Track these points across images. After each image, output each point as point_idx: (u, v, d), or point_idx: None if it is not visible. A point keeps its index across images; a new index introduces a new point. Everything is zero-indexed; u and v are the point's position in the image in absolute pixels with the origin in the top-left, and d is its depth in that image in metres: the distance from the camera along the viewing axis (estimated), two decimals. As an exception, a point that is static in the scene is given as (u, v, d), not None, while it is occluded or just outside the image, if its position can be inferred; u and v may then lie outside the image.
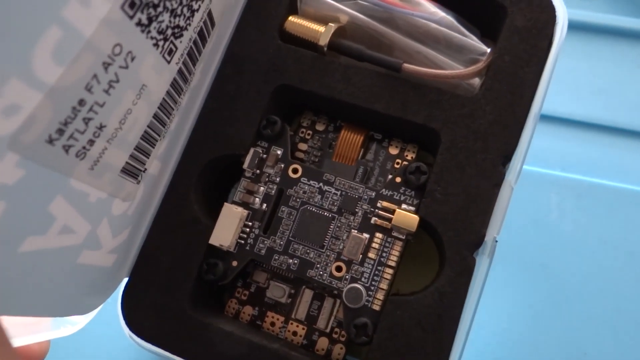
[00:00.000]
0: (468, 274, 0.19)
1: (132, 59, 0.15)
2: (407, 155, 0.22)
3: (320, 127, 0.23)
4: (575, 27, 0.31)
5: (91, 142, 0.15)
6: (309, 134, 0.23)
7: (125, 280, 0.21)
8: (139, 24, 0.15)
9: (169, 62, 0.17)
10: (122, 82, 0.15)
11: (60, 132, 0.14)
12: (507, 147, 0.20)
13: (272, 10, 0.22)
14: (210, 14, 0.19)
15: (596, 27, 0.32)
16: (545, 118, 0.31)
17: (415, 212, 0.20)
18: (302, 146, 0.23)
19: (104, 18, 0.13)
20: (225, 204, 0.21)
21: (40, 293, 0.17)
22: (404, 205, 0.20)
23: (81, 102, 0.14)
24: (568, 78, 0.31)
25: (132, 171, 0.18)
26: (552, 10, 0.20)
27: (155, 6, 0.15)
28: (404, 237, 0.20)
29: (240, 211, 0.21)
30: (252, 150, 0.21)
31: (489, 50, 0.21)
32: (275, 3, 0.22)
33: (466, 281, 0.19)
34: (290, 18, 0.22)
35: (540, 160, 0.30)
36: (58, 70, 0.13)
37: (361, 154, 0.22)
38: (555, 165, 0.29)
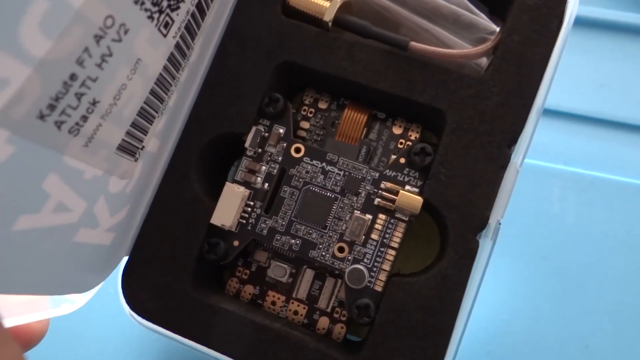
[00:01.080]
0: (471, 257, 0.18)
1: (126, 32, 0.14)
2: (410, 135, 0.21)
3: (322, 105, 0.22)
4: (577, 22, 0.29)
5: (84, 118, 0.14)
6: (311, 112, 0.22)
7: (125, 259, 0.20)
8: (132, -7, 0.13)
9: (165, 35, 0.15)
10: (115, 56, 0.14)
11: (52, 107, 0.13)
12: (514, 130, 0.18)
13: (275, -16, 0.21)
14: (210, -15, 0.17)
15: (599, 22, 0.30)
16: (547, 112, 0.29)
17: (419, 194, 0.19)
18: (305, 124, 0.21)
19: (94, -15, 0.12)
20: (227, 183, 0.20)
21: (37, 271, 0.16)
22: (407, 187, 0.19)
23: (73, 77, 0.13)
24: (571, 73, 0.29)
25: (129, 148, 0.17)
26: (564, -13, 0.19)
27: (150, -26, 0.13)
28: (407, 219, 0.19)
29: (242, 191, 0.19)
30: (254, 129, 0.20)
31: (497, 29, 0.19)
32: (278, -24, 0.21)
33: (469, 264, 0.18)
34: (294, -8, 0.21)
35: (543, 153, 0.28)
36: (47, 43, 0.12)
37: (364, 133, 0.21)
38: (558, 158, 0.28)
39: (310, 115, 0.21)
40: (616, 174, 0.28)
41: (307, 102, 0.22)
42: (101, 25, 0.13)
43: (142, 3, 0.14)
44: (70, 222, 0.16)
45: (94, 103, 0.14)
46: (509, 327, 0.26)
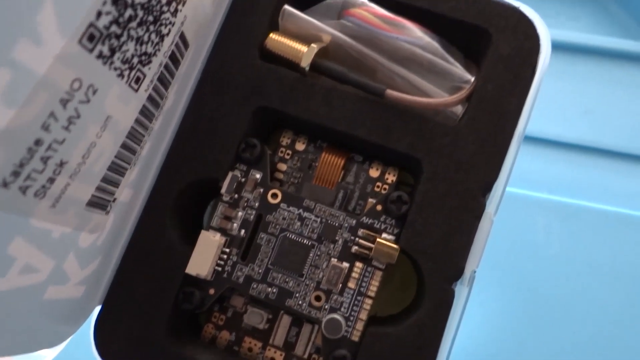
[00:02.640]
0: (447, 306, 0.18)
1: (94, 92, 0.13)
2: (387, 179, 0.21)
3: (300, 147, 0.21)
4: (560, 47, 0.29)
5: (51, 180, 0.13)
6: (288, 154, 0.21)
7: (98, 308, 0.19)
8: (100, 56, 0.13)
9: (136, 90, 0.15)
10: (83, 117, 0.13)
11: (16, 174, 0.12)
12: (488, 178, 0.18)
13: (252, 26, 0.20)
14: (182, 36, 0.16)
15: (581, 47, 0.30)
16: (531, 139, 0.29)
17: (396, 242, 0.19)
18: (282, 166, 0.21)
19: (59, 54, 0.11)
20: (202, 231, 0.19)
21: (6, 333, 0.15)
22: (384, 234, 0.19)
23: (38, 142, 0.12)
24: (554, 99, 0.29)
25: (99, 203, 0.16)
26: (536, 38, 0.19)
27: (118, 36, 0.13)
28: (384, 267, 0.19)
29: (218, 239, 0.19)
30: (230, 175, 0.19)
31: (472, 78, 0.19)
32: (255, 19, 0.20)
33: (445, 313, 0.18)
34: (271, 35, 0.20)
35: (527, 182, 0.28)
36: (9, 112, 0.11)
37: (341, 176, 0.21)
38: (542, 187, 0.28)
39: (288, 157, 0.21)
40: (600, 203, 0.28)
41: (284, 143, 0.21)
42: (67, 89, 0.12)
43: (112, 62, 0.13)
44: (38, 281, 0.15)
45: (61, 164, 0.13)
46: (494, 358, 0.26)
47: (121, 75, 0.14)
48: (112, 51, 0.13)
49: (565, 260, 0.27)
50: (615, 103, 0.29)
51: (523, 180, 0.28)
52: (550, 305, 0.26)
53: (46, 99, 0.12)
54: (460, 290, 0.18)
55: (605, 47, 0.30)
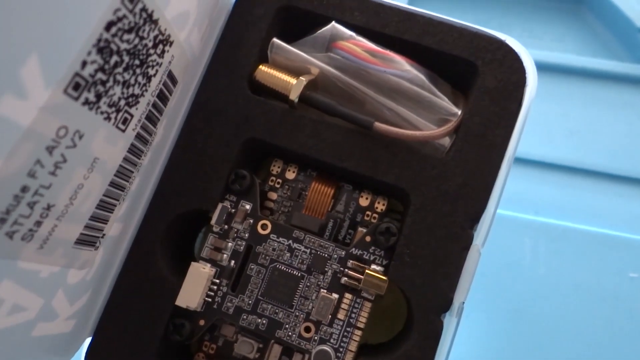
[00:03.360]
0: (435, 337, 0.18)
1: (81, 137, 0.13)
2: (377, 207, 0.21)
3: (290, 176, 0.21)
4: (547, 68, 0.29)
5: (38, 224, 0.13)
6: (278, 183, 0.21)
7: (89, 340, 0.19)
8: (86, 102, 0.13)
9: (124, 130, 0.15)
10: (70, 162, 0.13)
11: (2, 220, 0.12)
12: (475, 210, 0.18)
13: (241, 59, 0.20)
14: (170, 74, 0.17)
15: (567, 68, 0.30)
16: (518, 161, 0.29)
17: (385, 273, 0.19)
18: (272, 195, 0.21)
19: (44, 105, 0.11)
20: (192, 263, 0.19)
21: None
22: (373, 265, 0.19)
23: (24, 189, 0.12)
24: (540, 120, 0.30)
25: (88, 240, 0.16)
26: (522, 72, 0.19)
27: (103, 83, 0.13)
28: (373, 298, 0.19)
29: (208, 271, 0.19)
30: (220, 206, 0.20)
31: (459, 111, 0.19)
32: (244, 51, 0.20)
33: (433, 345, 0.18)
34: (261, 67, 0.20)
35: (514, 203, 0.28)
36: None
37: (331, 204, 0.21)
38: (529, 208, 0.28)
39: (278, 186, 0.21)
40: (586, 224, 0.28)
41: (274, 172, 0.21)
42: (53, 137, 0.12)
43: (98, 107, 0.13)
44: (27, 319, 0.15)
45: (48, 207, 0.13)
46: None
47: (108, 118, 0.14)
48: (99, 97, 0.13)
49: (551, 281, 0.27)
50: (600, 124, 0.29)
51: (509, 202, 0.28)
52: (537, 325, 0.26)
53: (31, 148, 0.12)
54: (449, 321, 0.18)
55: (591, 68, 0.30)
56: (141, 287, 0.19)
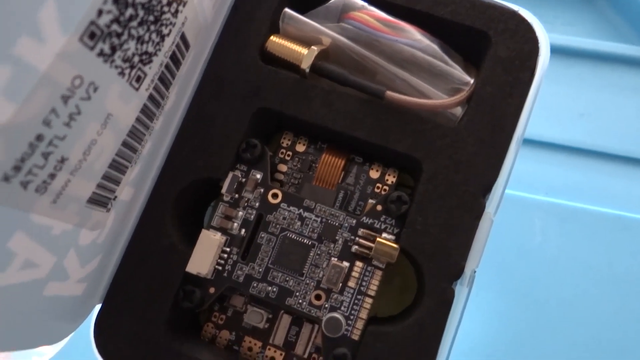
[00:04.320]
0: (447, 305, 0.18)
1: (95, 90, 0.13)
2: (387, 180, 0.20)
3: (300, 149, 0.21)
4: (558, 51, 0.29)
5: (52, 176, 0.13)
6: (288, 155, 0.21)
7: (98, 307, 0.19)
8: (100, 54, 0.13)
9: (137, 89, 0.15)
10: (84, 114, 0.13)
11: (17, 169, 0.12)
12: (488, 179, 0.18)
13: (252, 29, 0.20)
14: (183, 37, 0.16)
15: (579, 51, 0.30)
16: (528, 142, 0.29)
17: (396, 241, 0.18)
18: (282, 167, 0.21)
19: (61, 52, 0.11)
20: (203, 230, 0.19)
21: (5, 328, 0.15)
22: (384, 234, 0.19)
23: (39, 138, 0.12)
24: (551, 102, 0.29)
25: (100, 200, 0.16)
26: (535, 41, 0.19)
27: (119, 35, 0.13)
28: (383, 266, 0.18)
29: (218, 238, 0.19)
30: (230, 174, 0.19)
31: (471, 80, 0.19)
32: (256, 21, 0.20)
33: (445, 313, 0.18)
34: (272, 38, 0.20)
35: (524, 184, 0.28)
36: (11, 107, 0.11)
37: (341, 177, 0.21)
38: (539, 189, 0.28)
39: (288, 159, 0.21)
40: (597, 205, 0.28)
41: (284, 144, 0.21)
42: (69, 86, 0.12)
43: (112, 61, 0.13)
44: (39, 277, 0.15)
45: (62, 160, 0.13)
46: None
47: (122, 73, 0.14)
48: (113, 49, 0.13)
49: (561, 262, 0.26)
50: (610, 106, 0.29)
51: (520, 183, 0.28)
52: (547, 307, 0.26)
53: (48, 95, 0.12)
54: (460, 290, 0.18)
55: (601, 51, 0.30)
56: (152, 254, 0.19)
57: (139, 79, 0.15)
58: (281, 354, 0.19)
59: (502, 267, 0.27)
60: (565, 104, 0.29)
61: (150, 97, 0.16)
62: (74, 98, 0.13)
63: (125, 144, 0.16)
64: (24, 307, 0.15)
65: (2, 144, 0.11)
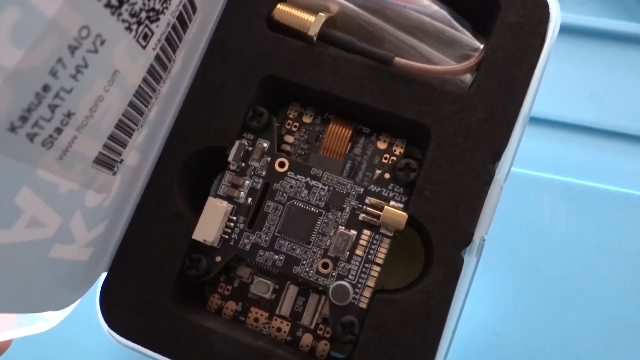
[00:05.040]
0: (456, 273, 0.17)
1: (102, 43, 0.13)
2: (395, 150, 0.20)
3: (307, 120, 0.21)
4: (567, 30, 0.29)
5: (59, 131, 0.13)
6: (295, 126, 0.21)
7: (104, 275, 0.19)
8: (108, 5, 0.12)
9: (144, 47, 0.15)
10: (91, 67, 0.13)
11: (24, 119, 0.12)
12: (497, 146, 0.18)
13: (260, -2, 0.20)
14: (191, -2, 0.16)
15: (588, 30, 0.30)
16: (538, 121, 0.29)
17: (404, 209, 0.18)
18: (289, 139, 0.21)
19: (68, -3, 0.11)
20: (209, 198, 0.19)
21: (9, 288, 0.15)
22: (392, 202, 0.19)
23: (45, 88, 0.12)
24: (560, 81, 0.29)
25: (106, 162, 0.16)
26: (545, 7, 0.18)
27: (127, -15, 0.13)
28: (391, 235, 0.18)
29: (225, 205, 0.19)
30: (237, 143, 0.19)
31: (481, 46, 0.19)
32: (263, -10, 0.20)
33: (454, 280, 0.17)
34: (279, 6, 0.20)
35: (533, 163, 0.28)
36: (18, 53, 0.11)
37: (349, 147, 0.20)
38: (548, 168, 0.28)
39: (295, 130, 0.21)
40: (607, 183, 0.27)
41: (291, 116, 0.21)
42: (76, 36, 0.12)
43: (120, 14, 0.13)
44: (45, 237, 0.15)
45: (69, 115, 0.13)
46: (500, 339, 0.25)
47: (129, 28, 0.14)
48: (120, 2, 0.13)
49: (571, 241, 0.26)
50: (621, 86, 0.29)
51: (529, 161, 0.28)
52: (556, 285, 0.25)
53: (55, 43, 0.12)
54: (469, 259, 0.18)
55: (611, 30, 0.30)
56: (158, 222, 0.19)
57: (145, 37, 0.15)
58: (287, 325, 0.19)
59: (511, 246, 0.26)
60: (575, 83, 0.29)
61: (157, 58, 0.16)
62: (80, 49, 0.13)
63: (131, 104, 0.16)
64: (30, 268, 0.15)
65: (9, 91, 0.11)
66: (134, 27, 0.14)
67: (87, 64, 0.13)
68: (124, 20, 0.14)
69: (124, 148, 0.16)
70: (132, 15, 0.14)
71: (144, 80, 0.16)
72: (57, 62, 0.12)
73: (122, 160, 0.17)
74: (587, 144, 0.28)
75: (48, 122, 0.13)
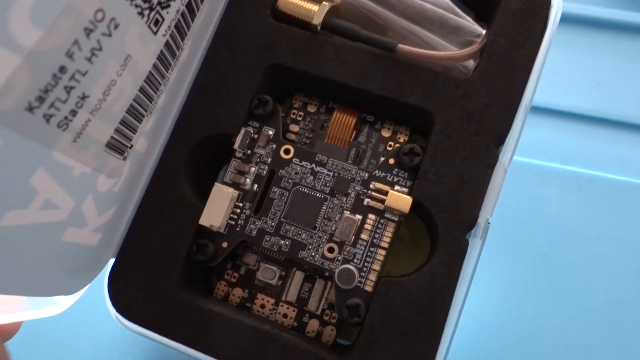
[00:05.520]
0: (461, 255, 0.18)
1: (116, 27, 0.14)
2: (399, 138, 0.21)
3: (311, 109, 0.22)
4: (574, 20, 0.30)
5: (74, 113, 0.14)
6: (300, 116, 0.22)
7: (112, 261, 0.19)
8: (123, -13, 0.13)
9: (155, 33, 0.16)
10: (105, 51, 0.14)
11: (41, 99, 0.13)
12: (501, 129, 0.19)
13: (264, -11, 0.21)
14: (200, -13, 0.17)
15: (594, 20, 0.31)
16: (544, 111, 0.30)
17: (409, 194, 0.19)
18: (294, 128, 0.22)
19: (85, -22, 0.12)
20: (215, 183, 0.20)
21: (22, 271, 0.15)
22: (397, 187, 0.19)
23: (62, 69, 0.13)
24: (568, 71, 0.30)
25: (117, 146, 0.17)
26: (547, -8, 0.19)
27: (140, -30, 0.14)
28: (396, 219, 0.19)
29: (231, 192, 0.19)
30: (243, 130, 0.20)
31: (483, 32, 0.19)
32: (268, -19, 0.21)
33: (459, 262, 0.18)
34: (283, -3, 0.21)
35: (540, 152, 0.28)
36: (37, 33, 0.12)
37: (353, 136, 0.21)
38: (555, 157, 0.28)
39: (300, 119, 0.22)
40: (614, 173, 0.28)
41: (296, 105, 0.22)
42: (91, 19, 0.13)
43: (133, -1, 0.14)
44: (58, 220, 0.16)
45: (83, 97, 0.14)
46: (507, 327, 0.26)
47: (141, 14, 0.15)
48: (134, -14, 0.14)
49: (578, 230, 0.27)
50: (627, 76, 0.30)
51: (536, 150, 0.28)
52: (563, 274, 0.26)
53: (71, 25, 0.13)
54: (474, 242, 0.18)
55: (618, 21, 0.31)
56: (165, 208, 0.19)
57: (157, 23, 0.15)
58: (294, 311, 0.20)
59: (518, 235, 0.27)
60: (582, 73, 0.30)
61: (167, 45, 0.17)
62: (95, 32, 0.13)
63: (142, 90, 0.16)
64: (43, 251, 0.16)
65: (27, 70, 0.12)
66: (146, 12, 0.15)
67: (102, 47, 0.14)
68: (136, 6, 0.14)
69: (134, 133, 0.17)
70: (145, 0, 0.14)
71: (154, 66, 0.17)
72: (73, 43, 0.13)
73: (132, 145, 0.17)
74: (594, 133, 0.29)
75: (64, 104, 0.14)
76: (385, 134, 0.21)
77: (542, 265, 0.27)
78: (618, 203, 0.27)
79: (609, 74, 0.30)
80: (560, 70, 0.29)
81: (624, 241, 0.27)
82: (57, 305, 0.18)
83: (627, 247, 0.27)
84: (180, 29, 0.17)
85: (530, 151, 0.28)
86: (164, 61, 0.17)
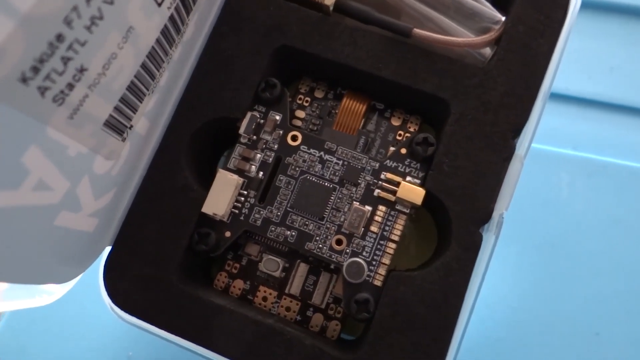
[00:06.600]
0: (474, 250, 0.17)
1: (120, -7, 0.13)
2: (409, 127, 0.20)
3: (319, 94, 0.21)
4: (588, 6, 0.29)
5: (70, 86, 0.13)
6: (307, 101, 0.21)
7: (108, 249, 0.18)
8: (128, -50, 0.12)
9: (159, 4, 0.14)
10: (106, 20, 0.13)
11: (35, 70, 0.12)
12: (518, 120, 0.18)
13: (274, -33, 0.20)
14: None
15: (607, 5, 0.30)
16: (556, 96, 0.29)
17: (421, 185, 0.18)
18: (300, 114, 0.20)
19: None
20: (219, 170, 0.18)
21: (12, 256, 0.14)
22: (408, 178, 0.18)
23: (59, 38, 0.12)
24: (580, 57, 0.29)
25: (116, 126, 0.15)
26: (569, -22, 0.18)
27: None
28: (408, 211, 0.18)
29: (236, 179, 0.18)
30: (249, 114, 0.19)
31: (502, 18, 0.18)
32: (277, -41, 0.20)
33: (472, 258, 0.17)
34: (294, -23, 0.20)
35: (551, 138, 0.28)
36: None
37: (362, 123, 0.20)
38: (567, 143, 0.28)
39: (306, 104, 0.21)
40: (626, 159, 0.27)
41: (302, 90, 0.21)
42: (93, -17, 0.12)
43: (138, -35, 0.13)
44: (52, 202, 0.14)
45: (82, 70, 0.13)
46: (517, 314, 0.25)
47: (146, -18, 0.13)
48: (140, -50, 0.13)
49: (589, 217, 0.26)
50: (640, 61, 0.29)
51: (547, 137, 0.28)
52: (574, 260, 0.25)
53: (71, -12, 0.11)
54: (488, 237, 0.18)
55: (631, 5, 0.30)
56: (165, 195, 0.18)
57: (161, -7, 0.14)
58: (297, 304, 0.19)
59: (529, 221, 0.26)
60: (595, 58, 0.29)
61: (171, 19, 0.16)
62: (96, -2, 0.12)
63: (144, 66, 0.15)
64: (35, 235, 0.14)
65: (21, 37, 0.11)
66: (151, -19, 0.14)
67: (103, 16, 0.13)
68: (141, -28, 0.13)
69: (134, 113, 0.16)
70: (150, -33, 0.13)
71: (157, 41, 0.15)
72: (72, 10, 0.12)
73: (131, 126, 0.16)
74: (606, 119, 0.28)
75: (60, 76, 0.12)
76: (395, 122, 0.20)
77: (552, 252, 0.26)
78: (629, 189, 0.26)
79: (621, 59, 0.29)
80: (572, 55, 0.28)
81: (635, 227, 0.26)
82: (48, 294, 0.17)
83: (638, 233, 0.26)
84: (186, 3, 0.16)
85: (540, 137, 0.27)
86: (167, 36, 0.16)
